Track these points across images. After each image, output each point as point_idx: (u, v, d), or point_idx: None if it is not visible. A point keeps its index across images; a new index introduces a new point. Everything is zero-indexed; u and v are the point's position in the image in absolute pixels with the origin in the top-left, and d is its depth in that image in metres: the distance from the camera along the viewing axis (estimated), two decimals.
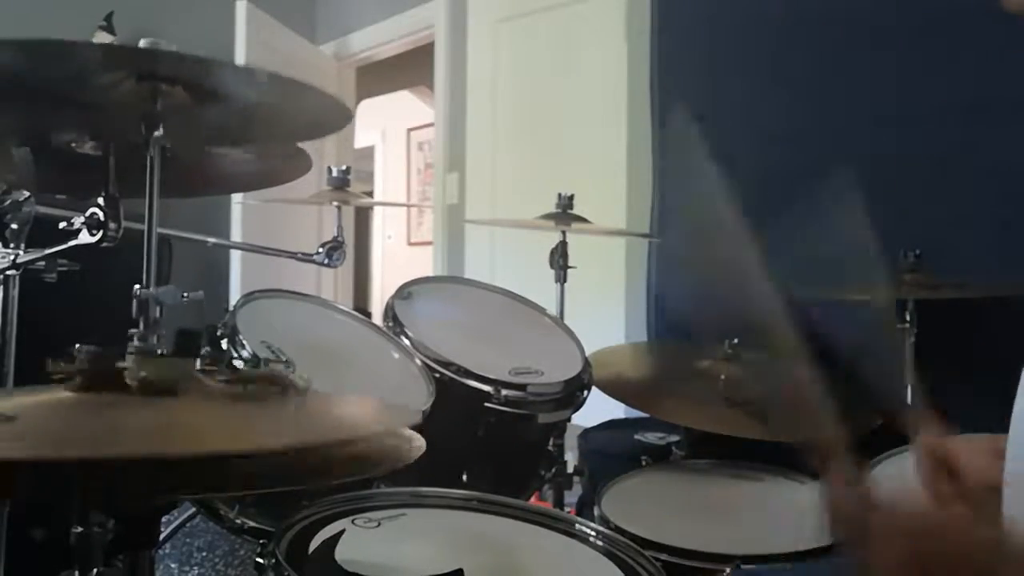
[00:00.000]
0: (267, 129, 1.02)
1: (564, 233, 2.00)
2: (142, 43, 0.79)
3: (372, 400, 0.95)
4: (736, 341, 1.75)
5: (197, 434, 0.68)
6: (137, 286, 0.85)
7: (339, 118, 0.97)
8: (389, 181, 7.07)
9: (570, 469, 1.74)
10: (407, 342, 1.48)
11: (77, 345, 0.73)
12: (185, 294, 0.91)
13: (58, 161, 0.98)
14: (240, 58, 3.69)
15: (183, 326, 1.12)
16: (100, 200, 0.88)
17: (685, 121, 0.87)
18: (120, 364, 0.74)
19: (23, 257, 1.14)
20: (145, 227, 0.87)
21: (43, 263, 1.16)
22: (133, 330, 0.81)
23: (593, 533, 1.05)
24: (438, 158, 3.78)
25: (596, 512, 1.31)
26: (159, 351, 0.78)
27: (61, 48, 0.76)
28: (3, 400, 0.72)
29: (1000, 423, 0.76)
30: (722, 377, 1.72)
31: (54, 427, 0.66)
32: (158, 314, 0.86)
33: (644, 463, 1.60)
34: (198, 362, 0.79)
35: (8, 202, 1.17)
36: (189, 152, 1.02)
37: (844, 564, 0.71)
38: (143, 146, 0.85)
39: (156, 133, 0.85)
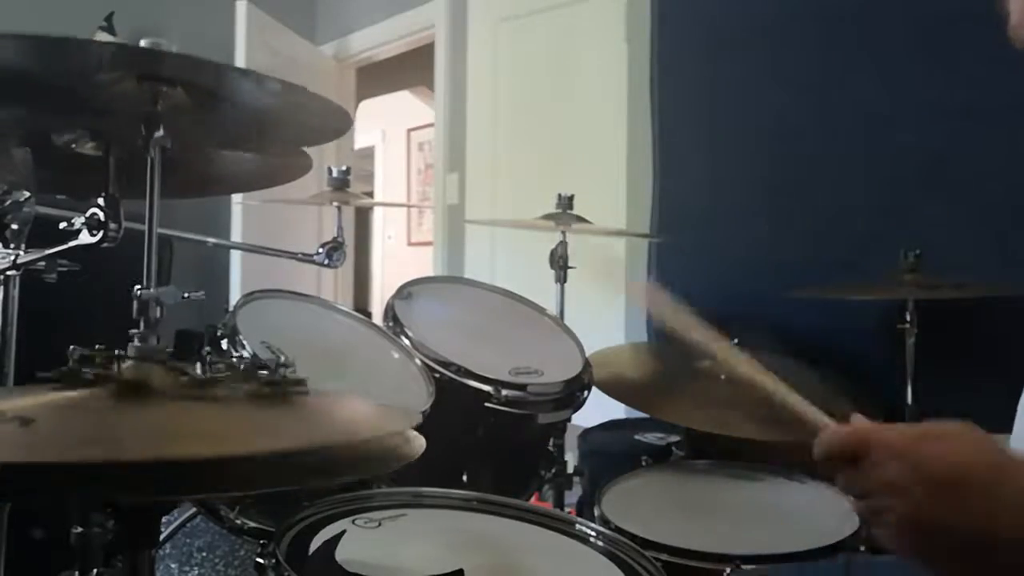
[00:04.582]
0: (268, 133, 1.02)
1: (564, 233, 2.00)
2: (143, 43, 0.79)
3: (371, 404, 0.95)
4: (736, 341, 1.74)
5: (206, 437, 0.69)
6: (138, 287, 0.85)
7: (339, 123, 0.97)
8: (389, 181, 7.07)
9: (570, 469, 1.74)
10: (407, 342, 1.48)
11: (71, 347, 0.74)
12: (186, 294, 0.90)
13: (58, 161, 0.98)
14: (240, 58, 3.70)
15: (182, 326, 1.12)
16: (100, 200, 0.88)
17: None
18: (113, 368, 0.74)
19: (23, 257, 1.14)
20: (146, 227, 0.87)
21: (43, 263, 1.16)
22: (134, 331, 0.81)
23: (593, 533, 1.05)
24: (438, 158, 3.78)
25: (596, 512, 1.31)
26: (159, 358, 0.78)
27: (61, 44, 0.76)
28: (14, 400, 0.72)
29: (1000, 423, 0.76)
30: (722, 377, 1.72)
31: (74, 430, 0.67)
32: (159, 314, 0.86)
33: (644, 463, 1.60)
34: (198, 364, 0.80)
35: (8, 202, 1.17)
36: (190, 154, 1.02)
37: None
38: (143, 148, 0.85)
39: (157, 134, 0.85)
